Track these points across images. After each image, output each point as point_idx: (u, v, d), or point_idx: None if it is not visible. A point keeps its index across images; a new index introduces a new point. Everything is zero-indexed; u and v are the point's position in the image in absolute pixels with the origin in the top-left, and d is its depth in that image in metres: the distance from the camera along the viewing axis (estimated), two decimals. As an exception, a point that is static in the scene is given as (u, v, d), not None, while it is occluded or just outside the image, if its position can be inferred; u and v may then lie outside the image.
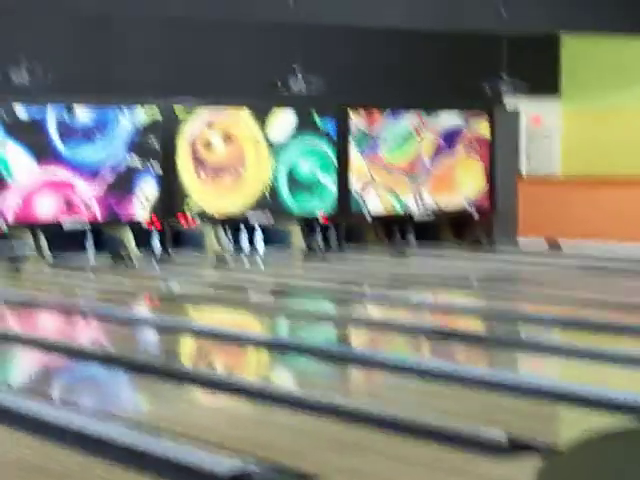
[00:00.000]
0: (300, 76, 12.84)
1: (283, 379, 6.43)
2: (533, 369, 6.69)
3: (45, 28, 11.73)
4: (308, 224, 13.22)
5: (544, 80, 14.47)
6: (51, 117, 11.92)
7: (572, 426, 5.04)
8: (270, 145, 13.02)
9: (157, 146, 12.32)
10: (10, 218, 11.59)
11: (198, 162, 12.64)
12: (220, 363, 6.87)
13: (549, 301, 9.20)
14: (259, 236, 12.94)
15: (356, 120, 13.60)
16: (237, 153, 12.88)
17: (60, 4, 10.21)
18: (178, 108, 12.53)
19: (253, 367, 6.91)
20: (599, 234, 13.34)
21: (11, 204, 11.64)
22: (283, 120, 13.11)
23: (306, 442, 4.79)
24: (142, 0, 10.48)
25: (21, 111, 11.67)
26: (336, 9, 11.39)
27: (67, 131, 12.04)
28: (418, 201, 13.96)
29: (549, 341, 7.39)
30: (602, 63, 14.27)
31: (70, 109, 11.95)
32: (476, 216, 14.16)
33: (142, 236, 12.34)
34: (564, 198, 14.07)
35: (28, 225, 11.74)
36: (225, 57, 12.76)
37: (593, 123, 14.30)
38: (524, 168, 14.47)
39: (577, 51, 14.40)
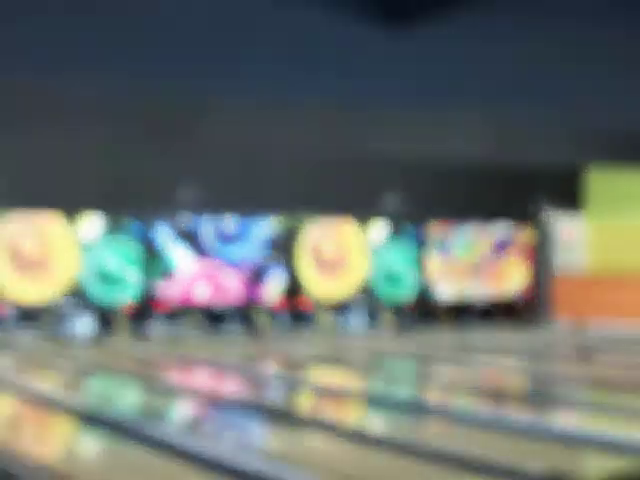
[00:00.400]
0: (392, 196, 12.91)
1: (377, 424, 6.40)
2: (568, 419, 6.61)
3: (202, 155, 11.88)
4: (396, 308, 13.23)
5: (574, 199, 14.42)
6: (207, 224, 12.05)
7: (601, 464, 4.96)
8: (368, 248, 13.05)
9: (284, 247, 12.43)
10: (175, 301, 11.67)
11: (315, 260, 12.71)
12: (330, 411, 6.85)
13: (579, 365, 9.12)
14: (359, 316, 12.95)
15: (433, 229, 13.61)
16: (344, 253, 12.94)
17: (213, 140, 10.35)
18: (302, 218, 12.61)
19: (353, 414, 6.88)
20: (619, 315, 13.24)
21: (175, 291, 11.74)
22: (379, 228, 13.15)
23: (394, 475, 4.77)
24: (281, 140, 10.60)
25: (184, 220, 11.80)
26: (419, 148, 11.47)
27: (218, 234, 12.16)
28: (479, 291, 13.90)
29: (582, 397, 7.32)
30: (619, 186, 14.22)
31: (221, 218, 12.08)
32: (522, 303, 14.08)
33: (272, 315, 12.39)
34: (589, 288, 13.98)
35: (188, 307, 11.83)
36: (337, 181, 12.85)
37: (611, 232, 14.22)
38: (558, 266, 14.40)
39: (600, 177, 14.35)
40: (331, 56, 8.71)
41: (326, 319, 12.57)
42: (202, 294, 11.96)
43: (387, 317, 13.06)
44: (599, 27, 8.96)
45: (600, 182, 14.80)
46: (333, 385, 8.04)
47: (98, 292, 11.41)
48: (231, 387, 8.09)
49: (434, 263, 13.61)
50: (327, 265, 12.91)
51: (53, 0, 7.78)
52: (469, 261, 13.97)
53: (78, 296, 11.35)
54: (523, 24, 8.51)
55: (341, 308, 12.92)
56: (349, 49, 8.55)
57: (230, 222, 12.28)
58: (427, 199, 13.58)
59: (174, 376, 8.72)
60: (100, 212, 11.37)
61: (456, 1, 7.29)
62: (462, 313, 13.72)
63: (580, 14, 8.56)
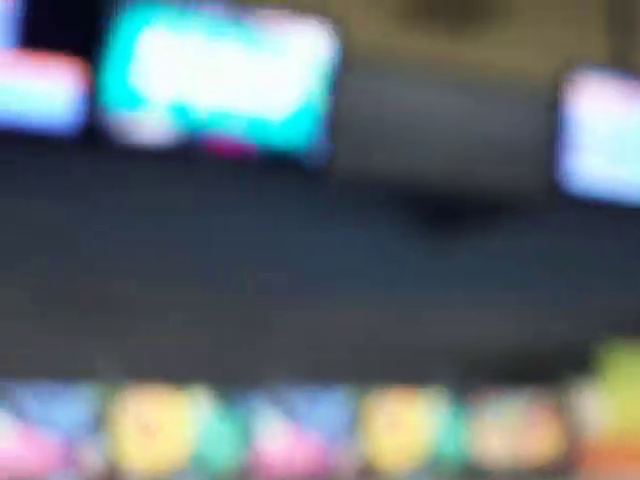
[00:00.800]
0: (438, 377, 13.21)
1: None
2: None
3: (285, 339, 12.29)
4: (451, 470, 13.33)
5: (595, 370, 14.61)
6: (293, 394, 12.35)
7: None
8: (421, 429, 13.18)
9: (355, 418, 12.61)
10: (270, 466, 11.86)
11: (388, 430, 12.89)
12: None
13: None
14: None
15: (475, 398, 13.81)
16: (405, 422, 13.10)
17: (291, 328, 10.89)
18: (368, 392, 12.83)
19: None
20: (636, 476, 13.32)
21: (271, 456, 11.95)
22: (430, 401, 13.32)
23: None
24: (345, 323, 11.10)
25: (276, 391, 12.13)
26: (460, 331, 11.91)
27: (301, 403, 12.40)
28: (517, 453, 14.02)
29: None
30: (637, 358, 14.41)
31: (303, 389, 12.34)
32: (552, 464, 14.16)
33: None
34: (611, 447, 14.05)
35: (281, 470, 12.00)
36: (392, 357, 13.16)
37: (630, 401, 14.35)
38: (583, 431, 14.50)
39: (620, 350, 14.54)
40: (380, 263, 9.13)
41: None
42: (290, 458, 12.16)
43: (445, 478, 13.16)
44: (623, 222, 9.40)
45: (620, 355, 15.01)
46: None
47: (207, 460, 11.66)
48: None
49: (479, 429, 13.78)
50: (393, 432, 13.06)
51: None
52: (507, 426, 14.13)
53: (189, 464, 11.59)
54: (556, 234, 8.96)
55: (401, 475, 13.05)
56: (395, 259, 9.02)
57: (310, 391, 12.54)
58: (469, 372, 13.83)
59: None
60: (207, 384, 11.72)
61: (498, 217, 7.87)
62: (506, 473, 13.83)
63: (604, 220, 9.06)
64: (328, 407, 11.81)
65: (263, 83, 6.25)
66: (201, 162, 6.57)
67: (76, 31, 5.43)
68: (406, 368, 12.55)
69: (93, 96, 5.57)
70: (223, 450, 11.13)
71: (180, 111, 5.88)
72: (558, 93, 6.77)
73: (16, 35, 5.28)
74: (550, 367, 13.37)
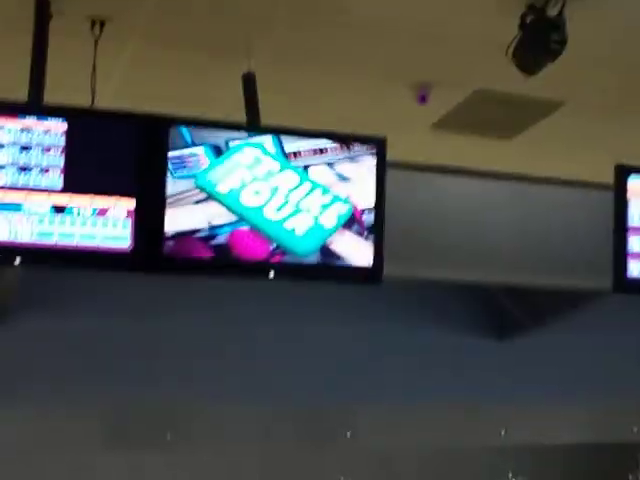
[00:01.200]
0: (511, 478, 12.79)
1: None
2: None
3: (350, 454, 12.02)
4: None
5: None
6: None
7: None
8: None
9: None
10: None
11: None
12: None
13: None
14: None
15: None
16: None
17: (358, 442, 10.60)
18: None
19: None
20: None
21: None
22: None
23: None
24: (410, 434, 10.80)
25: None
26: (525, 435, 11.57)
27: None
28: None
29: None
30: None
31: None
32: None
33: None
34: None
35: None
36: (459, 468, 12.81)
37: None
38: None
39: None
40: (452, 365, 9.00)
41: None
42: None
43: None
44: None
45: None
46: None
47: None
48: None
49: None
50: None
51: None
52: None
53: None
54: (624, 328, 8.76)
55: None
56: (467, 359, 8.86)
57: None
58: (540, 472, 13.41)
59: None
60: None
61: (565, 314, 7.69)
62: None
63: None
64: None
65: (309, 198, 6.32)
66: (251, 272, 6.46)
67: (131, 161, 5.57)
68: (478, 470, 12.16)
69: (148, 220, 5.66)
70: None
71: (233, 201, 6.06)
72: (617, 190, 6.60)
73: (72, 174, 5.40)
74: (624, 464, 12.87)
